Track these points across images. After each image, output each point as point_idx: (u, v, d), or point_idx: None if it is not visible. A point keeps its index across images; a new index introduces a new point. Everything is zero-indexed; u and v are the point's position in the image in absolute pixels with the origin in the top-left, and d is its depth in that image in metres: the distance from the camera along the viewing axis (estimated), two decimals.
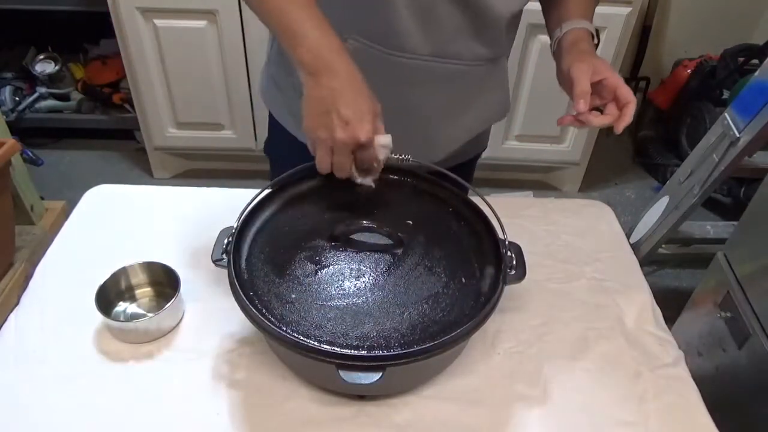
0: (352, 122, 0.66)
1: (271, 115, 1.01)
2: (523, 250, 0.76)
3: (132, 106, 2.20)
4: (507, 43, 0.92)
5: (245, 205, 0.75)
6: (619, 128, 0.79)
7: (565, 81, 0.81)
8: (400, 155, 0.77)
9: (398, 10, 0.76)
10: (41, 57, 2.34)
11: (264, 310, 0.66)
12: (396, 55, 0.81)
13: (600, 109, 0.80)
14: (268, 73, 0.97)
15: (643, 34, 2.52)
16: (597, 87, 0.79)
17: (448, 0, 0.77)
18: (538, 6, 0.92)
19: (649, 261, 1.91)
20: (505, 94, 0.99)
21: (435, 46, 0.81)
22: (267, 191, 0.80)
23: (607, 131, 2.77)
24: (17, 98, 2.32)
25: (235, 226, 0.74)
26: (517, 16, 0.88)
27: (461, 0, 0.77)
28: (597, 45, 0.86)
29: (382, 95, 0.85)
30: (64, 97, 2.38)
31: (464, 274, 0.73)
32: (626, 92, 0.78)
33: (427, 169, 0.85)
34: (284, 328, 0.64)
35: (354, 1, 0.77)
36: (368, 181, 0.73)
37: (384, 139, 0.71)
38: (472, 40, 0.83)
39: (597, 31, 0.86)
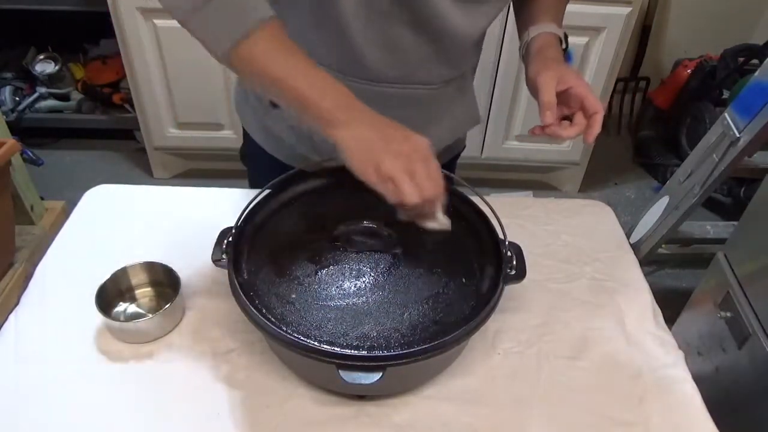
0: (406, 137, 0.65)
1: (243, 128, 1.01)
2: (523, 250, 0.76)
3: (132, 106, 2.20)
4: (474, 58, 0.91)
5: (245, 205, 0.75)
6: (589, 139, 0.78)
7: (533, 89, 0.79)
8: None
9: (365, 45, 0.75)
10: (41, 57, 2.34)
11: (264, 310, 0.66)
12: (365, 83, 0.80)
13: (570, 119, 0.79)
14: (239, 87, 0.97)
15: (643, 34, 2.52)
16: (564, 96, 0.77)
17: (412, 31, 0.76)
18: None
19: (649, 261, 1.91)
20: (473, 104, 0.98)
21: (402, 74, 0.80)
22: (267, 191, 0.80)
23: (607, 130, 2.77)
24: (17, 98, 2.32)
25: (235, 226, 0.74)
26: (482, 34, 0.87)
27: (425, 30, 0.76)
28: (566, 50, 0.84)
29: None
30: (64, 97, 2.38)
31: (464, 274, 0.73)
32: (593, 101, 0.76)
33: None
34: (284, 328, 0.64)
35: (322, 35, 0.76)
36: (445, 219, 0.68)
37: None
38: (439, 65, 0.82)
39: (566, 35, 0.85)
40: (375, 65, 0.78)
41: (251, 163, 1.05)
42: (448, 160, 1.05)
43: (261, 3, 0.66)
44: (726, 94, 2.30)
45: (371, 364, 0.62)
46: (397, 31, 0.76)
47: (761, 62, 1.51)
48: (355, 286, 0.71)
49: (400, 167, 0.62)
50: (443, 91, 0.87)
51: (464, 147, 1.09)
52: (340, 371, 0.61)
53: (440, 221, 0.67)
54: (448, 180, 0.84)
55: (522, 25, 0.86)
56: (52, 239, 0.91)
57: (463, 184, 0.80)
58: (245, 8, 0.65)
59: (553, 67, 0.77)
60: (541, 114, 0.77)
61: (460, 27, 0.78)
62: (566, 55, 0.84)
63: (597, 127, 0.77)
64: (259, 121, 0.92)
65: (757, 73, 1.48)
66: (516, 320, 0.82)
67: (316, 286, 0.70)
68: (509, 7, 0.91)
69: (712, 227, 1.97)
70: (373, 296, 0.70)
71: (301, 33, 0.74)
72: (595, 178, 2.45)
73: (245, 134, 1.01)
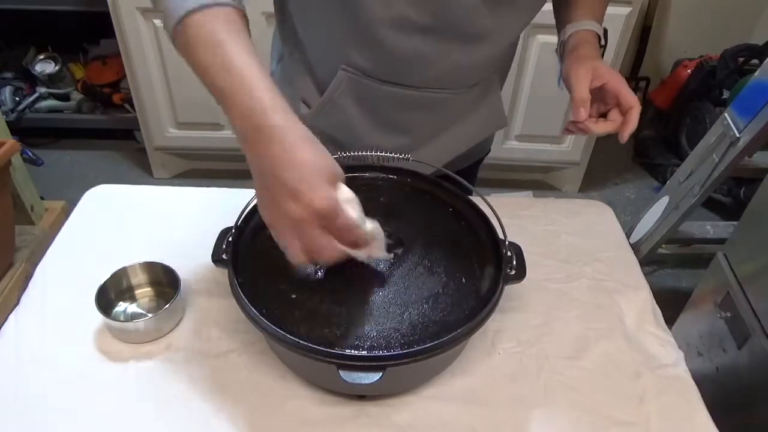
0: (302, 191, 0.53)
1: None
2: (523, 250, 0.76)
3: (132, 106, 2.20)
4: (503, 62, 0.90)
5: (245, 205, 0.75)
6: (624, 135, 0.76)
7: (568, 86, 0.78)
8: (401, 155, 0.77)
9: (392, 50, 0.74)
10: (41, 57, 2.34)
11: (264, 310, 0.66)
12: (388, 84, 0.80)
13: (605, 116, 0.77)
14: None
15: (643, 34, 2.52)
16: (599, 92, 0.76)
17: (445, 41, 0.74)
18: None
19: (649, 261, 1.91)
20: (498, 106, 0.97)
21: (430, 80, 0.80)
22: None
23: None
24: (17, 98, 2.32)
25: (235, 226, 0.74)
26: (514, 39, 0.87)
27: (456, 39, 0.74)
28: (604, 46, 0.82)
29: (372, 116, 0.84)
30: (64, 97, 2.39)
31: (464, 274, 0.73)
32: (629, 96, 0.74)
33: (430, 170, 0.85)
34: (284, 328, 0.64)
35: (347, 36, 0.75)
36: (376, 253, 0.64)
37: (346, 193, 0.58)
38: (467, 71, 0.82)
39: (606, 31, 0.82)
40: (402, 72, 0.78)
41: None
42: (471, 164, 1.04)
43: None
44: (726, 94, 2.30)
45: (371, 364, 0.62)
46: (431, 43, 0.74)
47: (761, 62, 1.51)
48: (355, 286, 0.71)
49: (285, 231, 0.55)
50: (468, 94, 0.86)
51: (488, 151, 1.08)
52: (340, 371, 0.61)
53: (365, 259, 0.64)
54: (457, 184, 0.84)
55: (560, 24, 0.85)
56: (52, 239, 0.91)
57: (464, 184, 0.80)
58: None
59: (586, 64, 0.76)
60: (574, 110, 0.75)
61: (491, 35, 0.76)
62: (603, 52, 0.82)
63: (632, 124, 0.75)
64: None
65: (757, 73, 1.48)
66: (516, 320, 0.82)
67: (317, 286, 0.70)
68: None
69: (712, 227, 1.97)
70: (373, 296, 0.70)
71: (333, 34, 0.74)
72: (595, 178, 2.45)
73: None
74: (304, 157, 0.54)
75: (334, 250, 0.57)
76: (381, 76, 0.79)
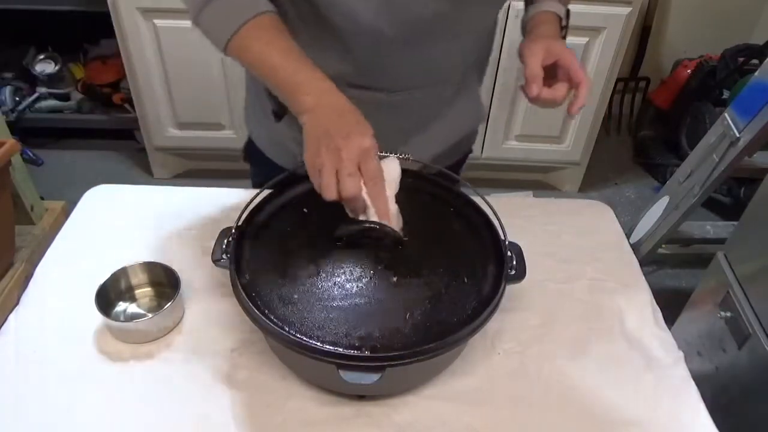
0: (352, 133, 0.65)
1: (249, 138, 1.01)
2: (523, 250, 0.76)
3: (132, 106, 2.20)
4: (480, 56, 0.91)
5: (245, 205, 0.75)
6: (572, 110, 0.76)
7: (523, 63, 0.79)
8: (399, 154, 0.77)
9: (363, 59, 0.76)
10: (41, 57, 2.34)
11: (266, 311, 0.66)
12: (358, 89, 0.80)
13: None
14: (249, 100, 0.98)
15: (643, 34, 2.52)
16: (553, 69, 0.77)
17: (412, 45, 0.76)
18: None
19: (649, 261, 1.92)
20: (476, 100, 0.97)
21: (399, 84, 0.81)
22: (267, 191, 0.80)
23: (607, 130, 2.77)
24: (17, 98, 2.32)
25: (235, 226, 0.74)
26: (488, 38, 0.88)
27: (426, 41, 0.76)
28: (566, 27, 0.84)
29: None
30: (64, 97, 2.38)
31: (465, 274, 0.73)
32: (578, 73, 0.76)
33: (421, 167, 0.85)
34: (286, 329, 0.64)
35: (316, 43, 0.77)
36: (393, 221, 0.70)
37: (395, 166, 0.71)
38: (438, 71, 0.83)
39: (567, 12, 0.84)
40: (376, 77, 0.79)
41: (253, 162, 1.05)
42: (454, 162, 1.04)
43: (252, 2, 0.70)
44: (726, 94, 2.30)
45: (371, 364, 0.62)
46: (403, 48, 0.76)
47: (761, 62, 1.51)
48: (356, 287, 0.71)
49: (330, 160, 0.64)
50: (444, 92, 0.87)
51: (471, 151, 1.08)
52: (339, 371, 0.61)
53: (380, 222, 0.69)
54: (453, 181, 0.84)
55: (526, 4, 0.87)
56: (52, 239, 0.91)
57: (465, 184, 0.80)
58: (244, 3, 0.71)
59: (540, 42, 0.77)
60: (526, 86, 0.76)
61: (461, 33, 0.78)
62: (565, 33, 0.84)
63: (581, 99, 0.76)
64: (266, 130, 0.92)
65: (757, 73, 1.48)
66: (516, 320, 0.82)
67: (318, 286, 0.70)
68: (508, 9, 0.91)
69: (712, 227, 1.97)
70: (375, 296, 0.70)
71: (300, 41, 0.75)
72: (595, 178, 2.45)
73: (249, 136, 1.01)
74: (357, 118, 0.69)
75: (357, 187, 0.65)
76: (351, 81, 0.80)
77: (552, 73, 0.78)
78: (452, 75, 0.85)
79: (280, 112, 0.87)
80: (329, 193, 0.65)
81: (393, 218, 0.70)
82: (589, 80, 0.76)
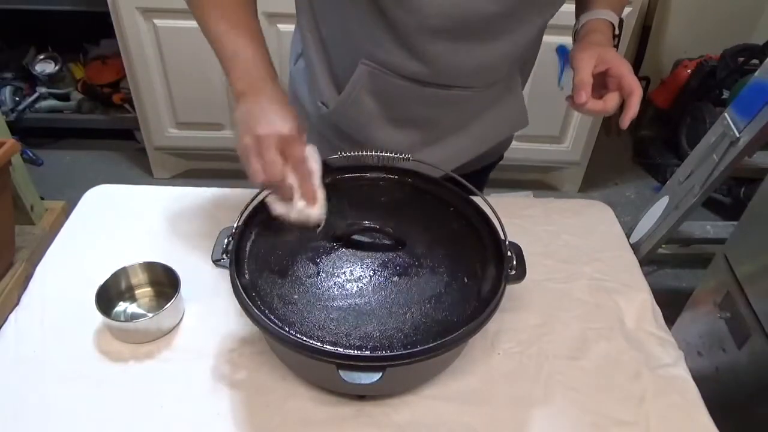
0: (273, 120, 0.68)
1: None
2: (523, 250, 0.76)
3: (132, 106, 2.20)
4: (527, 60, 0.91)
5: (245, 205, 0.75)
6: (625, 121, 0.75)
7: (574, 70, 0.78)
8: (401, 155, 0.77)
9: (417, 54, 0.76)
10: (41, 57, 2.34)
11: (266, 311, 0.66)
12: (407, 80, 0.80)
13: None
14: (292, 91, 0.98)
15: (643, 34, 2.52)
16: (603, 78, 0.76)
17: (468, 44, 0.75)
18: None
19: (649, 261, 1.91)
20: (520, 104, 0.96)
21: (448, 79, 0.80)
22: (268, 191, 0.80)
23: (606, 130, 2.77)
24: (17, 98, 2.32)
25: (235, 226, 0.74)
26: (536, 42, 0.87)
27: (478, 41, 0.76)
28: (619, 35, 0.83)
29: (389, 111, 0.85)
30: (64, 97, 2.39)
31: (465, 274, 0.73)
32: (631, 82, 0.74)
33: (438, 173, 0.85)
34: (286, 329, 0.64)
35: (371, 34, 0.76)
36: (315, 212, 0.71)
37: (313, 151, 0.72)
38: (493, 70, 0.82)
39: (621, 21, 0.83)
40: (426, 71, 0.78)
41: None
42: (481, 168, 1.04)
43: None
44: (726, 94, 2.30)
45: (371, 364, 0.62)
46: (458, 47, 0.75)
47: (761, 62, 1.51)
48: (356, 287, 0.71)
49: (255, 147, 0.67)
50: (488, 92, 0.86)
51: (501, 157, 1.08)
52: (339, 371, 0.61)
53: (299, 211, 0.70)
54: (457, 184, 0.84)
55: (578, 12, 0.86)
56: (52, 239, 0.91)
57: (465, 184, 0.80)
58: None
59: (591, 49, 0.76)
60: (575, 92, 0.75)
61: (513, 34, 0.77)
62: (617, 41, 0.83)
63: (632, 110, 0.75)
64: (307, 122, 0.93)
65: (757, 73, 1.48)
66: (516, 320, 0.82)
67: (318, 287, 0.70)
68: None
69: (712, 227, 1.97)
70: (375, 296, 0.70)
71: (356, 31, 0.76)
72: (595, 178, 2.45)
73: None
74: (284, 103, 0.71)
75: (281, 171, 0.67)
76: (401, 72, 0.79)
77: (601, 81, 0.77)
78: (500, 75, 0.85)
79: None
80: (256, 177, 0.67)
81: (319, 204, 0.71)
82: (641, 90, 0.75)
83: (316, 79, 0.87)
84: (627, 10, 1.90)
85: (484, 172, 1.06)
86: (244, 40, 0.72)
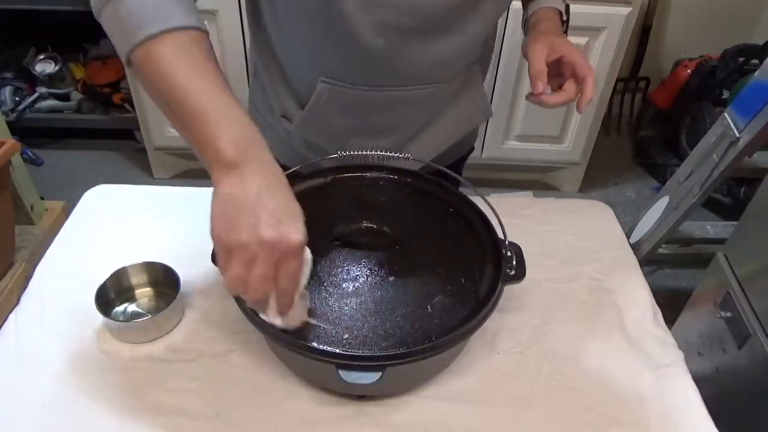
0: (283, 219, 0.53)
1: None
2: (523, 250, 0.76)
3: (132, 106, 2.20)
4: (485, 51, 0.91)
5: None
6: (581, 106, 0.76)
7: (527, 60, 0.79)
8: (399, 154, 0.77)
9: (380, 57, 0.75)
10: (41, 57, 2.34)
11: None
12: (372, 90, 0.79)
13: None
14: (254, 97, 0.96)
15: (643, 34, 2.52)
16: (557, 66, 0.77)
17: (426, 40, 0.75)
18: None
19: (649, 261, 1.91)
20: (482, 96, 0.96)
21: (410, 78, 0.80)
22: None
23: (607, 130, 2.77)
24: (17, 98, 2.32)
25: None
26: (492, 33, 0.87)
27: (436, 36, 0.75)
28: (566, 21, 0.83)
29: (357, 122, 0.83)
30: (64, 97, 2.38)
31: (464, 274, 0.73)
32: (584, 66, 0.75)
33: (422, 166, 0.85)
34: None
35: (333, 48, 0.75)
36: (285, 322, 0.60)
37: (308, 254, 0.59)
38: (450, 64, 0.82)
39: (567, 7, 0.84)
40: (385, 73, 0.78)
41: None
42: (455, 161, 1.04)
43: (181, 11, 0.58)
44: (726, 94, 2.30)
45: (371, 364, 0.62)
46: (412, 43, 0.75)
47: (761, 62, 1.51)
48: (354, 286, 0.71)
49: (246, 250, 0.52)
50: (448, 87, 0.86)
51: (472, 149, 1.09)
52: (339, 371, 0.61)
53: (269, 319, 0.60)
54: (454, 182, 0.84)
55: (525, 2, 0.87)
56: (52, 239, 0.91)
57: (465, 183, 0.80)
58: (161, 12, 0.58)
59: (543, 39, 0.77)
60: (532, 83, 0.76)
61: (470, 28, 0.77)
62: (566, 27, 0.84)
63: (588, 93, 0.75)
64: (270, 129, 0.92)
65: (757, 73, 1.48)
66: (516, 320, 0.82)
67: (317, 287, 0.70)
68: (507, 9, 0.91)
69: (712, 227, 1.97)
70: (373, 296, 0.70)
71: (311, 45, 0.74)
72: (595, 178, 2.45)
73: None
74: (289, 194, 0.56)
75: (267, 292, 0.56)
76: (363, 81, 0.79)
77: (557, 71, 0.78)
78: (459, 71, 0.85)
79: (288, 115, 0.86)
80: (233, 289, 0.55)
81: (295, 312, 0.61)
82: (594, 73, 0.76)
83: (274, 94, 0.86)
84: (627, 9, 1.90)
85: (456, 166, 1.06)
86: (218, 86, 0.58)
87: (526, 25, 0.84)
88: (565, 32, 0.84)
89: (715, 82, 2.31)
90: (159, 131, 2.17)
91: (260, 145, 0.57)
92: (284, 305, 0.58)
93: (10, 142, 1.50)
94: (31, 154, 2.35)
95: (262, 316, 0.60)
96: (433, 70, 0.81)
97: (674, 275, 2.07)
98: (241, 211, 0.53)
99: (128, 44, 0.58)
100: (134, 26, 0.58)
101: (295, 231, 0.54)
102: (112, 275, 0.79)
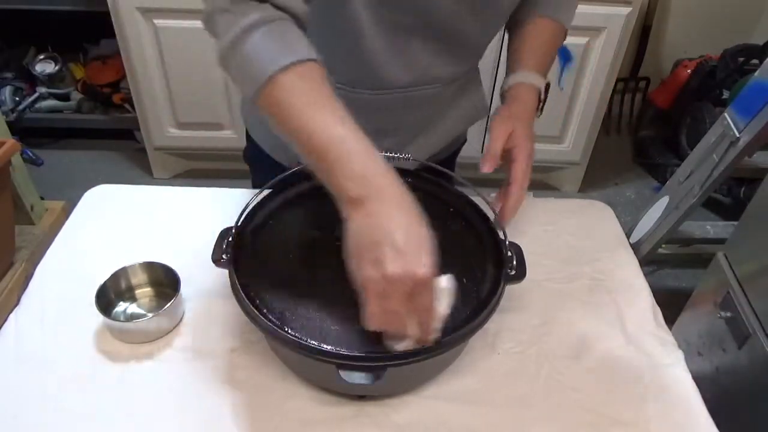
0: (408, 253, 0.54)
1: (247, 131, 1.01)
2: (523, 250, 0.76)
3: (132, 106, 2.20)
4: (482, 52, 0.92)
5: (245, 205, 0.75)
6: (502, 218, 0.76)
7: (489, 135, 0.79)
8: (400, 154, 0.77)
9: (382, 58, 0.75)
10: (41, 57, 2.34)
11: (265, 310, 0.66)
12: (375, 93, 0.80)
13: None
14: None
15: (643, 34, 2.52)
16: (509, 154, 0.78)
17: (428, 41, 0.76)
18: None
19: (649, 261, 1.91)
20: (480, 95, 0.98)
21: (413, 79, 0.81)
22: (267, 191, 0.80)
23: (607, 130, 2.76)
24: (17, 98, 2.32)
25: (235, 226, 0.74)
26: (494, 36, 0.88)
27: (440, 38, 0.76)
28: (544, 100, 0.84)
29: (360, 125, 0.85)
30: (64, 97, 2.39)
31: (465, 274, 0.73)
32: (517, 170, 0.76)
33: (418, 165, 0.85)
34: (286, 329, 0.64)
35: (335, 50, 0.75)
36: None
37: (445, 281, 0.60)
38: (450, 65, 0.82)
39: (548, 86, 0.85)
40: (388, 75, 0.78)
41: (254, 165, 1.05)
42: (449, 155, 1.05)
43: (297, 44, 0.60)
44: (726, 94, 2.30)
45: (371, 364, 0.62)
46: (415, 43, 0.76)
47: (761, 62, 1.51)
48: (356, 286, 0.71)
49: (376, 286, 0.54)
50: (450, 87, 0.87)
51: (465, 141, 1.09)
52: (340, 371, 0.61)
53: (406, 346, 0.61)
54: (450, 180, 0.84)
55: (508, 66, 0.87)
56: (52, 239, 0.91)
57: (465, 183, 0.80)
58: (282, 48, 0.59)
59: (508, 123, 0.78)
60: (481, 161, 0.77)
61: (472, 35, 0.78)
62: (541, 106, 0.84)
63: (509, 201, 0.75)
64: (266, 128, 0.92)
65: (757, 73, 1.48)
66: (516, 320, 0.82)
67: (317, 286, 0.70)
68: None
69: (712, 227, 1.97)
70: None
71: (315, 47, 0.74)
72: (595, 178, 2.45)
73: (248, 137, 1.01)
74: (414, 221, 0.56)
75: (402, 326, 0.58)
76: (365, 85, 0.79)
77: (509, 157, 0.78)
78: (460, 72, 0.86)
79: None
80: (371, 322, 0.57)
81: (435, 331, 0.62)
82: (525, 182, 0.76)
83: None
84: (627, 9, 1.90)
85: (450, 159, 1.07)
86: (346, 125, 0.58)
87: (503, 95, 0.85)
88: (540, 110, 0.84)
89: (715, 82, 2.31)
90: (159, 131, 2.17)
91: (382, 172, 0.57)
92: (424, 334, 0.60)
93: (10, 142, 1.50)
94: (31, 154, 2.35)
95: (396, 347, 0.61)
96: (434, 71, 0.81)
97: (674, 275, 2.07)
98: (368, 244, 0.55)
99: (250, 88, 0.60)
100: (256, 69, 0.59)
101: (420, 265, 0.54)
102: (112, 275, 0.79)
